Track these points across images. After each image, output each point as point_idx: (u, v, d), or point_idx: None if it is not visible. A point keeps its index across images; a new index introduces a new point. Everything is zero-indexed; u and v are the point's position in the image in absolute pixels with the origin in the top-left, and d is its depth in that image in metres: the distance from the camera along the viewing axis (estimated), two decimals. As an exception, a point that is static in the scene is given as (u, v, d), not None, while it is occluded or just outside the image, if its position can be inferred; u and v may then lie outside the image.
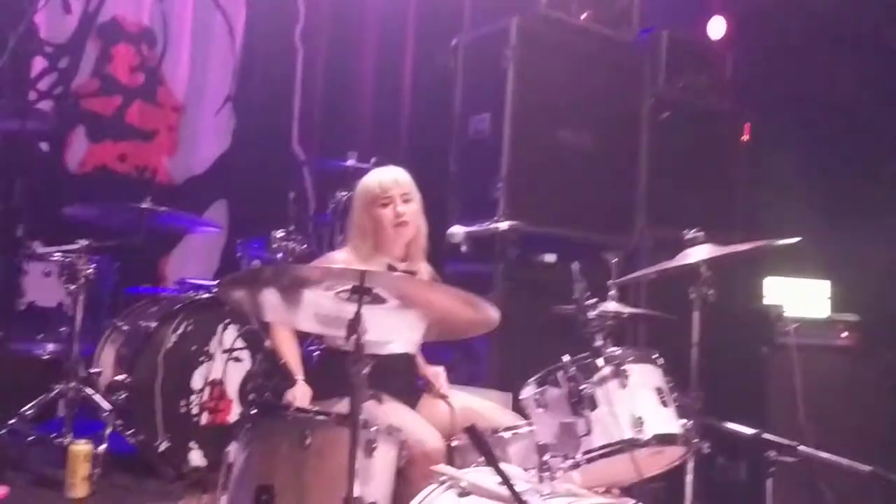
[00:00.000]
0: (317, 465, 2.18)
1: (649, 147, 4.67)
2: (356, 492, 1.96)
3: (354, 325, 1.93)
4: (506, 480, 1.73)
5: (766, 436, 2.52)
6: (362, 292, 1.91)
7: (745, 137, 5.08)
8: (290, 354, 2.66)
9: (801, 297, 4.16)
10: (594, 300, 2.27)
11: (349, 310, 1.98)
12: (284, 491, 2.16)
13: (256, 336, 2.11)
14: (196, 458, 3.34)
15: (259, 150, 5.39)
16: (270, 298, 2.03)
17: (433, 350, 3.18)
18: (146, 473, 3.26)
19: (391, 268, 2.88)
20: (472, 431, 1.79)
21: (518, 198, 4.23)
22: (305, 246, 3.79)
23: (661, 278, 3.27)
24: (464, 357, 4.26)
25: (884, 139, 4.78)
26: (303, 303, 2.04)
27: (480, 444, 1.78)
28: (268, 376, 2.19)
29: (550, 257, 4.48)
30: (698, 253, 2.53)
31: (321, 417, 2.24)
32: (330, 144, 5.36)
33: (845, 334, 4.07)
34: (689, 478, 2.47)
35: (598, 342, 2.23)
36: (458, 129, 4.51)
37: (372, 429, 2.24)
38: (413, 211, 2.90)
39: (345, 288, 1.94)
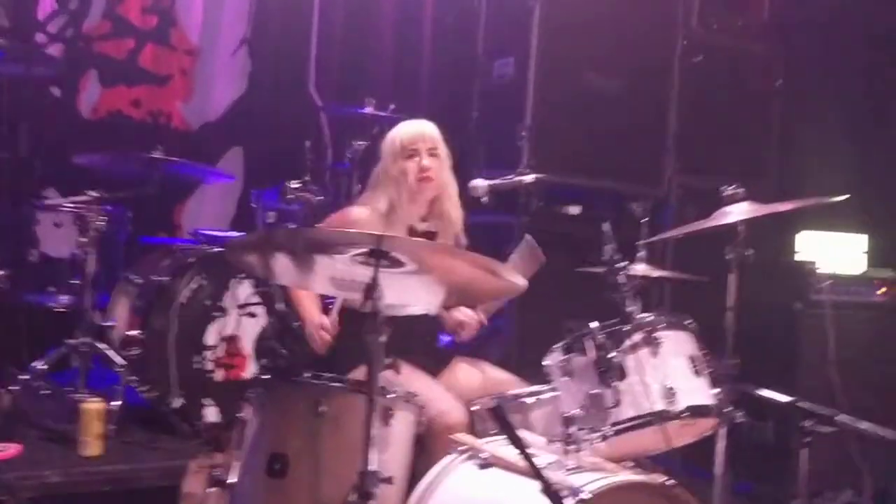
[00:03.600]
0: (332, 433, 2.10)
1: (680, 92, 4.48)
2: (372, 465, 1.87)
3: (371, 290, 1.81)
4: (531, 464, 1.63)
5: (803, 404, 2.39)
6: (379, 256, 1.79)
7: (779, 82, 4.88)
8: (309, 307, 2.59)
9: (837, 252, 3.99)
10: (625, 263, 2.14)
11: (365, 273, 1.86)
12: (298, 459, 2.08)
13: (270, 296, 2.02)
14: (211, 414, 3.27)
15: (275, 95, 5.22)
16: (282, 262, 1.92)
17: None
18: (161, 429, 3.20)
19: (411, 228, 2.76)
20: (497, 412, 1.68)
21: (542, 146, 4.09)
22: (321, 197, 3.67)
23: (692, 235, 3.13)
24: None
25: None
26: (316, 266, 1.93)
27: (505, 426, 1.68)
28: (281, 340, 2.08)
29: (575, 209, 4.35)
30: (737, 211, 2.37)
31: (336, 384, 2.14)
32: (347, 89, 5.19)
33: (882, 290, 3.92)
34: (720, 446, 2.37)
35: (629, 307, 2.10)
36: (481, 74, 4.34)
37: (389, 396, 2.14)
38: (438, 166, 2.77)
39: (361, 251, 1.82)
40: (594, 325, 2.11)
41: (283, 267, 1.95)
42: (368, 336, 1.83)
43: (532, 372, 3.25)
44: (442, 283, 1.93)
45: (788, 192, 4.62)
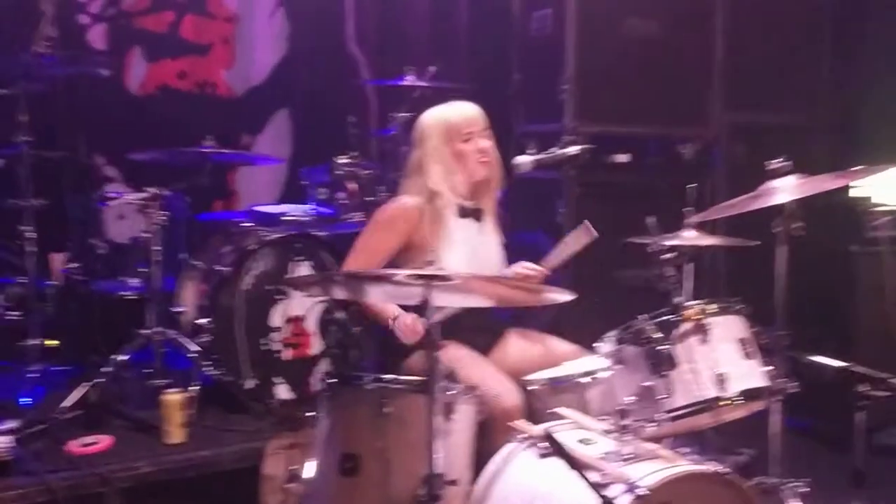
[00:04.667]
0: (398, 432, 2.21)
1: (724, 26, 4.36)
2: (437, 466, 1.99)
3: (423, 309, 1.89)
4: (590, 484, 1.71)
5: (857, 369, 2.42)
6: (431, 279, 1.87)
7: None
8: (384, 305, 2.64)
9: (893, 185, 3.90)
10: (672, 254, 2.16)
11: (417, 290, 1.94)
12: (369, 458, 2.20)
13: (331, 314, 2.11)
14: (283, 391, 3.45)
15: (316, 55, 5.26)
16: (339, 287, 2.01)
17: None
18: (237, 409, 3.37)
19: (463, 209, 2.81)
20: (550, 439, 1.77)
21: (585, 98, 4.06)
22: (370, 171, 3.72)
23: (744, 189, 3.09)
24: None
25: None
26: (371, 287, 2.01)
27: (559, 451, 1.77)
28: (343, 346, 2.19)
29: (623, 157, 4.33)
30: (783, 188, 2.36)
31: (398, 385, 2.25)
32: (386, 46, 5.20)
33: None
34: (774, 417, 2.43)
35: (678, 298, 2.14)
36: (519, 29, 4.28)
37: (449, 392, 2.24)
38: (492, 146, 2.82)
39: (412, 273, 1.90)
40: (643, 317, 2.15)
41: (339, 289, 2.04)
42: (426, 351, 1.92)
43: (585, 330, 3.31)
44: (487, 296, 2.00)
45: (843, 125, 4.53)
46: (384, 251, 2.71)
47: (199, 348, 3.37)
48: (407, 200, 2.83)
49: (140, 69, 4.97)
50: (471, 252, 2.76)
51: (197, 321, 3.38)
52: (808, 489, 2.50)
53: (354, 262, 2.73)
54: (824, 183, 2.34)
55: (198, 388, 3.27)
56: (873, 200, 3.79)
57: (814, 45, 4.60)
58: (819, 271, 3.69)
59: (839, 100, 4.51)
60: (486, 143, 2.80)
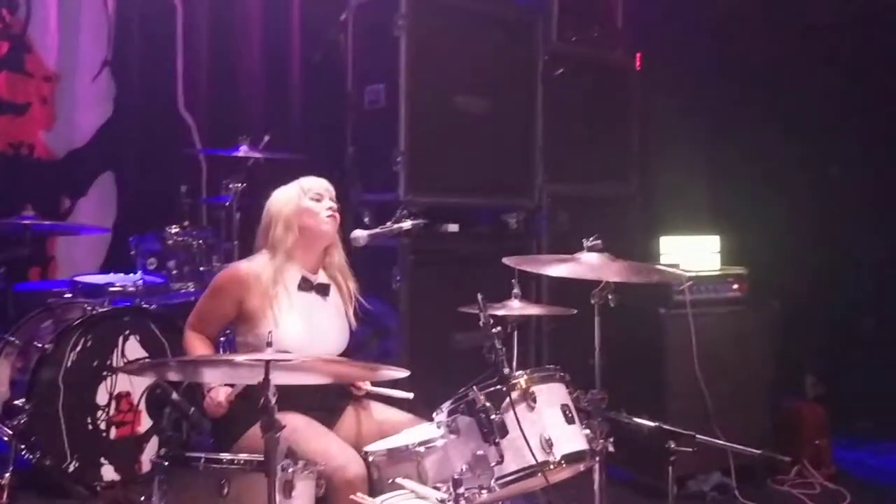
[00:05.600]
0: (236, 513, 2.19)
1: (545, 105, 4.69)
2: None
3: (263, 390, 1.91)
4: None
5: (666, 427, 2.65)
6: (269, 365, 1.89)
7: (637, 66, 5.15)
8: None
9: (694, 254, 4.32)
10: (498, 329, 2.31)
11: (256, 373, 1.96)
12: (206, 541, 2.17)
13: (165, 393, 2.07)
14: (108, 472, 3.30)
15: (144, 117, 5.13)
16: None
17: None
18: (57, 494, 3.19)
19: (304, 279, 2.84)
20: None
21: (418, 169, 4.21)
22: (201, 241, 3.68)
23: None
24: (375, 334, 4.29)
25: (776, 95, 4.94)
26: (208, 371, 2.01)
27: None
28: (178, 429, 2.16)
29: (453, 227, 4.53)
30: (597, 265, 2.58)
31: (236, 466, 2.23)
32: (219, 110, 5.18)
33: (735, 286, 4.28)
34: (596, 476, 2.60)
35: (506, 369, 2.28)
36: (353, 103, 4.41)
37: (289, 470, 2.25)
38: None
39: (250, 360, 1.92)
40: (475, 389, 2.27)
41: (174, 373, 2.03)
42: (266, 434, 1.93)
43: (424, 393, 3.39)
44: (326, 374, 2.05)
45: (646, 197, 4.98)
46: (216, 317, 2.79)
47: (12, 432, 3.17)
48: (240, 268, 2.84)
49: (-54, 129, 4.68)
50: (308, 325, 2.78)
51: (12, 402, 3.18)
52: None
53: (191, 325, 2.78)
54: (630, 274, 2.60)
55: (9, 474, 3.07)
56: (679, 268, 4.15)
57: (623, 124, 5.03)
58: (633, 333, 4.00)
59: (643, 174, 4.95)
60: (335, 205, 2.92)
